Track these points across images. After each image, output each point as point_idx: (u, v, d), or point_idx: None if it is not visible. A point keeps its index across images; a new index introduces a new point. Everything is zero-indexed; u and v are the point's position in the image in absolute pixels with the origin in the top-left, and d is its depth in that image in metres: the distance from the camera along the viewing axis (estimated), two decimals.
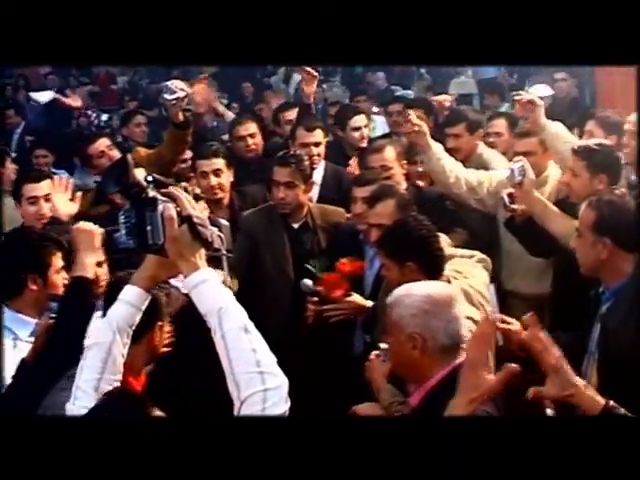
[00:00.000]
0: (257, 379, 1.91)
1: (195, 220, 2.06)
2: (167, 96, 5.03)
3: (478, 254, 3.69)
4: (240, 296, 3.82)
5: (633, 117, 4.51)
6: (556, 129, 4.47)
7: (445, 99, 6.44)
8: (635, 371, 2.83)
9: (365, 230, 4.08)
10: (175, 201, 2.09)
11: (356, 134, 5.76)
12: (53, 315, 3.01)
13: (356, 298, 3.96)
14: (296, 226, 4.50)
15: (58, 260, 3.23)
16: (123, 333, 2.19)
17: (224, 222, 2.29)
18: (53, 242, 3.27)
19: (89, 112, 9.15)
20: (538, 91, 6.47)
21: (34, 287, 3.17)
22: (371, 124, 6.77)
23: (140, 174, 4.63)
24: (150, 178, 2.15)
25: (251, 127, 5.78)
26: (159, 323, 2.81)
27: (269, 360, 1.97)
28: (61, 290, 3.18)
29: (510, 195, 4.13)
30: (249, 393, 1.90)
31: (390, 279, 3.36)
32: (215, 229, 2.16)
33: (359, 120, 5.81)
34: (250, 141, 5.71)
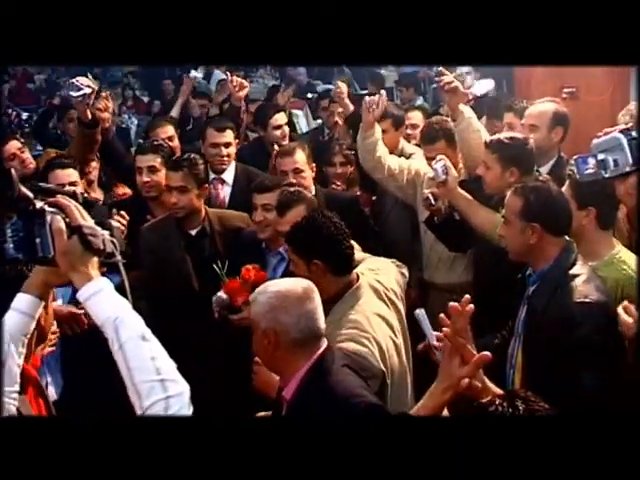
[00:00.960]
0: (158, 387, 1.91)
1: (85, 230, 2.03)
2: (72, 93, 4.93)
3: (396, 261, 3.75)
4: (146, 306, 3.77)
5: (533, 110, 4.66)
6: (469, 116, 4.53)
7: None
8: (557, 351, 2.97)
9: (270, 237, 4.13)
10: (64, 210, 2.06)
11: (277, 132, 5.74)
12: None
13: None
14: (193, 232, 4.47)
15: None
16: (17, 342, 2.14)
17: (116, 224, 2.27)
18: None
19: (9, 111, 8.87)
20: (481, 86, 6.56)
21: None
22: (295, 118, 6.76)
23: (72, 176, 4.50)
24: (37, 187, 2.13)
25: (169, 130, 5.66)
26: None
27: (169, 367, 1.97)
28: None
29: (433, 194, 4.22)
30: (151, 402, 1.89)
31: (297, 276, 3.29)
32: (107, 233, 2.15)
33: (280, 118, 5.79)
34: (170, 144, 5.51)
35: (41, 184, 2.23)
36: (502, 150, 4.06)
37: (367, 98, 4.79)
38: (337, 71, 10.47)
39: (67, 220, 2.04)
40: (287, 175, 4.62)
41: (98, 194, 5.45)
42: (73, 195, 2.21)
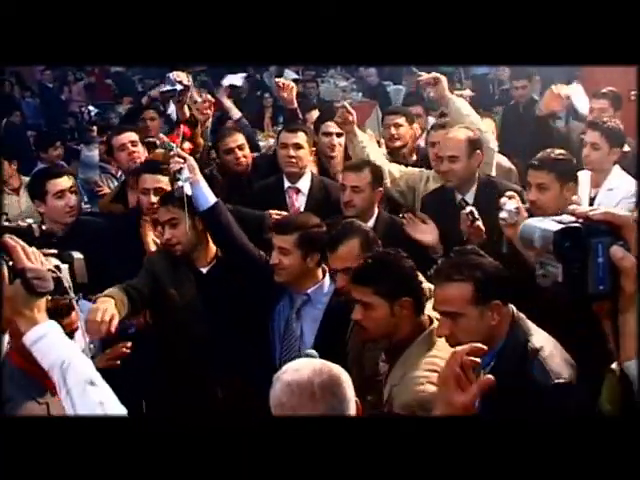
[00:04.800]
0: None
1: (29, 274, 1.97)
2: (162, 88, 4.92)
3: None
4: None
5: (447, 141, 4.42)
6: (459, 103, 4.60)
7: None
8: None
9: (285, 282, 3.75)
10: (8, 252, 2.00)
11: (325, 140, 5.25)
12: None
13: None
14: (204, 270, 3.96)
15: None
16: None
17: (77, 256, 2.20)
18: None
19: (82, 108, 9.19)
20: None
21: None
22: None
23: (162, 182, 4.37)
24: None
25: (239, 138, 5.33)
26: None
27: (118, 412, 1.94)
28: None
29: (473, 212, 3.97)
30: None
31: (375, 320, 3.02)
32: (66, 266, 2.11)
33: (332, 125, 5.18)
34: (239, 153, 5.29)
35: None
36: (558, 167, 3.81)
37: (337, 115, 4.73)
38: (406, 71, 10.42)
39: (10, 264, 1.98)
40: (345, 191, 4.30)
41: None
42: (28, 230, 2.16)
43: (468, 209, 3.94)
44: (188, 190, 3.73)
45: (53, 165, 6.31)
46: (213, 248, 3.96)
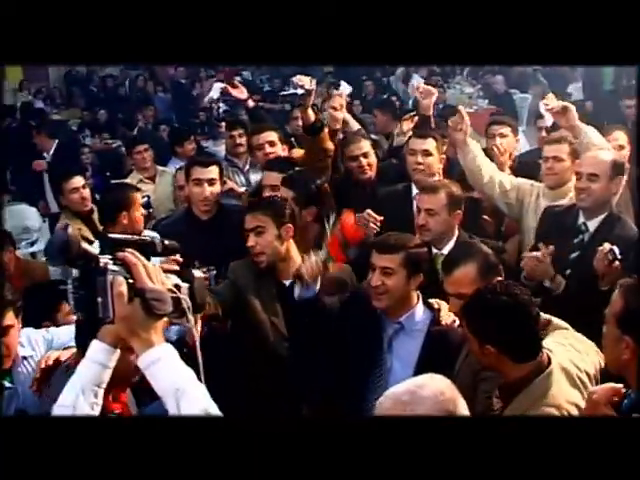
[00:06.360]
0: None
1: (148, 295, 1.88)
2: (284, 92, 4.90)
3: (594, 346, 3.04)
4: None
5: (591, 158, 4.13)
6: (591, 133, 4.39)
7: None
8: None
9: (385, 308, 3.47)
10: (130, 269, 1.91)
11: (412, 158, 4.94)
12: None
13: None
14: (287, 283, 3.78)
15: None
16: (89, 393, 2.01)
17: (198, 274, 2.11)
18: None
19: (213, 104, 9.55)
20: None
21: None
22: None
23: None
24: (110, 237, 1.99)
25: (365, 146, 5.04)
26: None
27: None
28: None
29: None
30: None
31: (473, 353, 2.92)
32: (186, 285, 2.03)
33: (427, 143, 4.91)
34: (364, 161, 4.99)
35: (112, 235, 2.02)
36: None
37: (450, 120, 4.67)
38: (532, 80, 10.15)
39: (131, 281, 1.89)
40: (419, 213, 4.14)
41: None
42: (151, 244, 2.06)
43: (607, 247, 3.55)
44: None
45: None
46: (297, 261, 3.79)
